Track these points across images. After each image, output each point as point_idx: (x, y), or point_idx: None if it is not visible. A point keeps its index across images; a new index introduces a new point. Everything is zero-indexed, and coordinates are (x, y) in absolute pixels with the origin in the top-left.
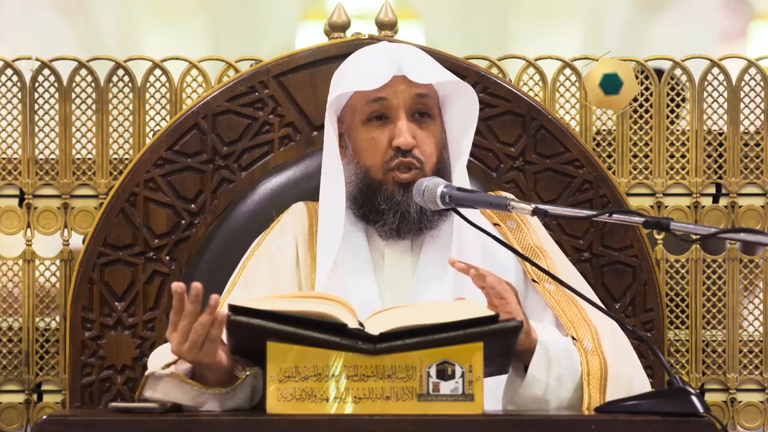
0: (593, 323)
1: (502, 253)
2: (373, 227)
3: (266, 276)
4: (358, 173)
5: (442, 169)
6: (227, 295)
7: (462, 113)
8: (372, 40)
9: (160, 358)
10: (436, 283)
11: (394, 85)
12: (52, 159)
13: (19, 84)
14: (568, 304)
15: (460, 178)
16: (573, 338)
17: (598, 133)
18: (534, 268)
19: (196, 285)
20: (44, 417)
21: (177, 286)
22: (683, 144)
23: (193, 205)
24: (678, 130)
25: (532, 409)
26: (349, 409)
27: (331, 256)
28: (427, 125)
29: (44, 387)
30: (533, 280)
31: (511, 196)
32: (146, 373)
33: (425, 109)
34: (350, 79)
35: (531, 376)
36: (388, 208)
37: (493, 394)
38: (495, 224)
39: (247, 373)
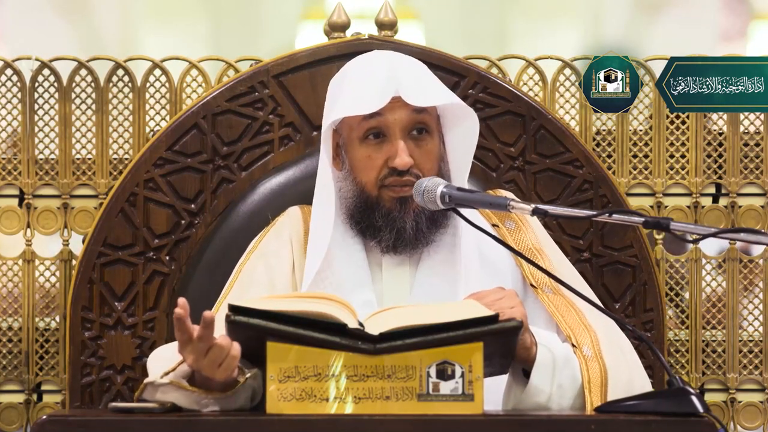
0: (592, 327)
1: (500, 261)
2: (370, 241)
3: (263, 280)
4: (354, 189)
5: None
6: (224, 299)
7: (465, 135)
8: (372, 40)
9: (160, 360)
10: (435, 294)
11: (391, 101)
12: (52, 159)
13: (19, 84)
14: (567, 310)
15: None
16: (573, 345)
17: (597, 133)
18: (532, 273)
19: (208, 314)
20: (44, 417)
21: (179, 311)
22: (683, 144)
23: (193, 205)
24: (678, 130)
25: (533, 409)
26: (349, 409)
27: (315, 267)
28: (425, 142)
29: (44, 387)
30: (532, 286)
31: (512, 196)
32: (145, 381)
33: (423, 125)
34: (345, 102)
35: (534, 386)
36: (385, 224)
37: (493, 395)
38: (494, 225)
39: (247, 376)
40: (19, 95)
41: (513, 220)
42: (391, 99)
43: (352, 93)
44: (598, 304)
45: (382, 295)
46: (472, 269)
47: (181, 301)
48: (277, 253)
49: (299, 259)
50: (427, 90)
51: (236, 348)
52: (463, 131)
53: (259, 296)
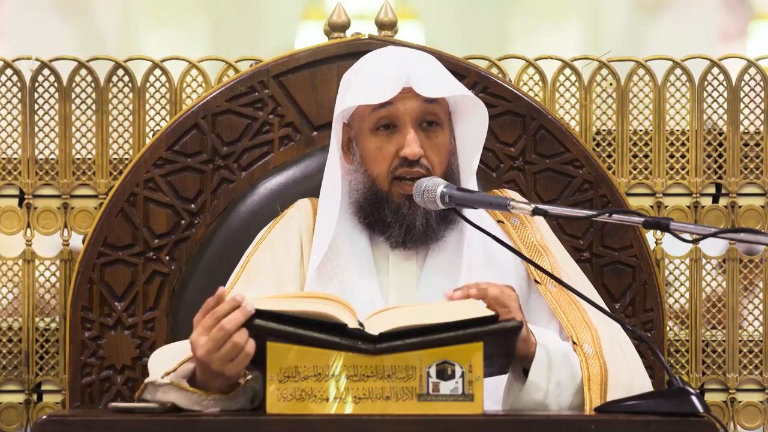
0: (594, 325)
1: (504, 255)
2: (378, 237)
3: (270, 271)
4: (365, 182)
5: (450, 178)
6: (230, 289)
7: (474, 129)
8: (372, 40)
9: (161, 360)
10: (441, 287)
11: (402, 92)
12: (52, 159)
13: (19, 84)
14: (570, 306)
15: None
16: (573, 342)
17: (597, 133)
18: (536, 269)
19: (222, 290)
20: (44, 417)
21: (222, 291)
22: (683, 144)
23: (193, 205)
24: (678, 130)
25: (533, 410)
26: (349, 409)
27: (318, 258)
28: (435, 134)
29: (44, 387)
30: (536, 281)
31: (519, 197)
32: (146, 380)
33: (434, 117)
34: (357, 92)
35: (531, 382)
36: (395, 221)
37: (493, 395)
38: (499, 221)
39: (248, 378)
40: (19, 95)
41: (518, 216)
42: (402, 90)
43: (363, 83)
44: (598, 303)
45: (388, 289)
46: (475, 266)
47: (221, 291)
48: (286, 246)
49: (308, 253)
50: (439, 81)
51: (251, 345)
52: (472, 123)
53: (265, 288)
